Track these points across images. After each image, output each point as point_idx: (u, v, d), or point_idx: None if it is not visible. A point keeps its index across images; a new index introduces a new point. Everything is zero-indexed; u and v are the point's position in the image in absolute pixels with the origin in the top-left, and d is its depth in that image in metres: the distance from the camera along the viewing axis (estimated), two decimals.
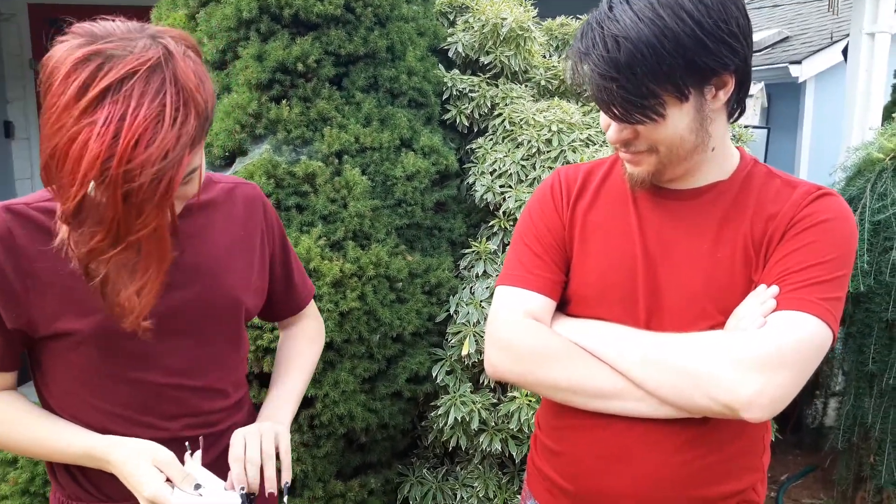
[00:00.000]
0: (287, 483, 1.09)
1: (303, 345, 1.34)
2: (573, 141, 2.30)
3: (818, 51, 6.90)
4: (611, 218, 1.13)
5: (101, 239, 0.86)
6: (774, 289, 1.01)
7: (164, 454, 0.99)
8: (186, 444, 1.06)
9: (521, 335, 1.10)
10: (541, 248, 1.15)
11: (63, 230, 0.92)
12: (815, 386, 3.21)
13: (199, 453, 1.05)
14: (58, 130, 0.84)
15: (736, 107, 1.06)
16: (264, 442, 1.09)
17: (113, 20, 0.90)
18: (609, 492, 1.10)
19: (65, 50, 0.86)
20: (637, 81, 0.93)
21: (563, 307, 1.17)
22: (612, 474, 1.09)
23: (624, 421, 1.06)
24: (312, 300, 1.38)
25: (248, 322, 1.23)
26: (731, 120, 1.08)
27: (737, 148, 1.14)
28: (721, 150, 1.08)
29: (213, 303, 1.11)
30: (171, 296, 1.03)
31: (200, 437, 1.08)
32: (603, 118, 1.05)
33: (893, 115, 3.53)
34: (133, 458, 0.99)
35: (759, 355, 0.96)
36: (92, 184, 0.85)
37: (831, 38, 6.94)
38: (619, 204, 1.14)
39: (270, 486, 1.05)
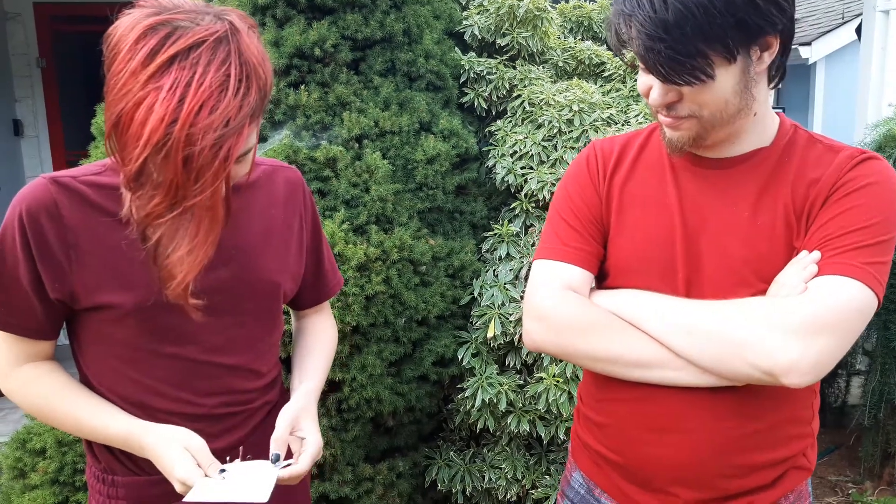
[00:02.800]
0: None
1: (326, 334, 1.34)
2: (595, 120, 2.28)
3: (827, 32, 6.85)
4: (649, 190, 1.12)
5: (159, 202, 0.88)
6: (816, 254, 0.99)
7: (196, 441, 1.01)
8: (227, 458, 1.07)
9: (559, 307, 1.09)
10: (577, 221, 1.14)
11: (127, 199, 0.94)
12: (837, 365, 3.18)
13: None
14: (123, 96, 0.86)
15: (777, 71, 1.04)
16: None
17: None
18: (655, 462, 1.09)
19: (132, 19, 0.88)
20: (686, 41, 0.90)
21: (601, 280, 1.16)
22: (658, 445, 1.09)
23: (666, 392, 1.05)
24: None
25: (284, 304, 1.22)
26: (772, 85, 1.05)
27: (777, 113, 1.12)
28: (763, 115, 1.06)
29: (250, 283, 1.11)
30: (209, 274, 1.03)
31: (241, 448, 1.09)
32: (642, 82, 1.02)
33: None
34: (166, 441, 1.01)
35: (800, 320, 0.94)
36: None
37: (843, 17, 6.88)
38: (656, 175, 1.12)
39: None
